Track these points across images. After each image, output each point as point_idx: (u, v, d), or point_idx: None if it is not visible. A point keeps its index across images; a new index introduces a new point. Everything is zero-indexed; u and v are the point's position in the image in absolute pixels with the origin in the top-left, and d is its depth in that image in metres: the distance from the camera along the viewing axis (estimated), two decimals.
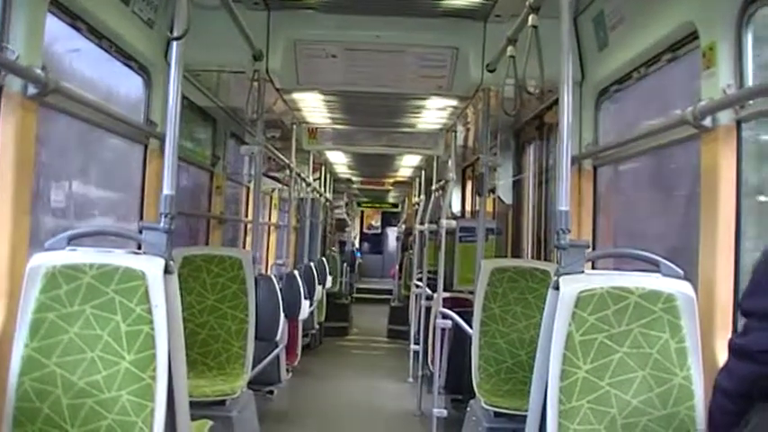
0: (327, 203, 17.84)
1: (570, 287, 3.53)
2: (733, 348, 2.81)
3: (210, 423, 4.64)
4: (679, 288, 3.54)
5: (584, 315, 3.50)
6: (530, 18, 4.80)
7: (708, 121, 4.08)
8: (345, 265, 19.13)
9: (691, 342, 3.49)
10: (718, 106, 4.00)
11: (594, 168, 6.22)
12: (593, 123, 6.19)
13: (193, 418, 4.07)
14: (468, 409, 6.35)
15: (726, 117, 4.03)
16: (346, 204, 24.72)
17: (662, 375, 3.47)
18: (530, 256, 9.02)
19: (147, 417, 3.51)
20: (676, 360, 3.48)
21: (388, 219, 31.64)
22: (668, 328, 3.49)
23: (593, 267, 3.82)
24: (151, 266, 3.62)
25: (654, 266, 3.67)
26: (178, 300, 3.78)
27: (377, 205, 30.57)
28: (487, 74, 6.54)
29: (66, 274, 3.62)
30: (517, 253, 9.58)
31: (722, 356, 3.80)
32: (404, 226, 21.11)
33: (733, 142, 4.03)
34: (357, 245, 29.21)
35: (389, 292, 20.91)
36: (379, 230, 32.50)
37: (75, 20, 4.82)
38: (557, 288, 3.58)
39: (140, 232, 3.97)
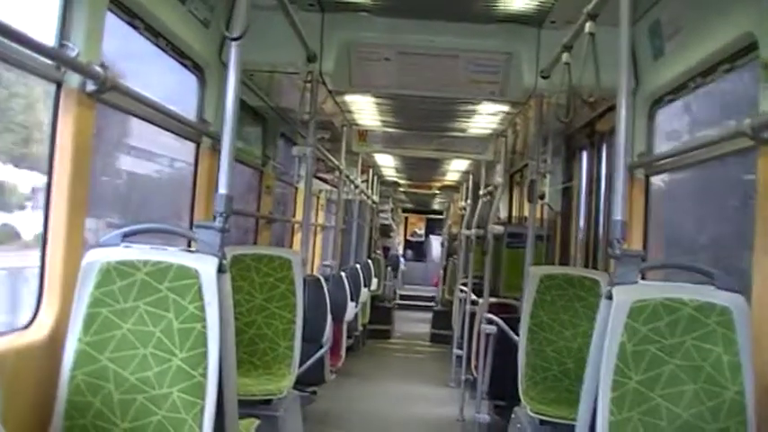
0: (374, 206, 17.86)
1: (624, 297, 3.51)
2: None
3: (258, 422, 4.67)
4: (734, 301, 3.51)
5: (636, 326, 3.47)
6: (587, 25, 4.77)
7: (767, 134, 4.02)
8: (390, 269, 19.15)
9: (744, 356, 3.45)
10: None
11: (646, 178, 6.16)
12: (645, 132, 6.13)
13: (240, 417, 4.10)
14: (513, 415, 6.31)
15: None
16: (391, 210, 24.71)
17: (714, 389, 3.44)
18: (578, 264, 8.97)
19: (196, 414, 3.55)
20: (729, 374, 3.44)
21: (432, 226, 31.52)
22: (722, 342, 3.46)
23: (642, 277, 3.77)
24: (205, 265, 3.66)
25: (707, 278, 3.65)
26: (230, 299, 3.82)
27: (421, 211, 30.55)
28: (541, 80, 6.50)
29: (121, 270, 3.67)
30: (565, 260, 9.51)
31: None
32: (449, 231, 21.11)
33: None
34: (401, 251, 29.15)
35: (432, 299, 20.99)
36: (423, 238, 32.38)
37: (133, 18, 4.86)
38: (610, 297, 3.55)
39: (191, 228, 4.00)
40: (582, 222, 9.07)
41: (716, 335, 3.46)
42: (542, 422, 5.69)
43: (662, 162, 5.85)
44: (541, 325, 6.26)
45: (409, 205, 28.50)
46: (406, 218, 31.76)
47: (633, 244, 5.92)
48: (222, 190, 3.90)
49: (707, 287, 3.58)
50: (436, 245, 28.61)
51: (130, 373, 3.60)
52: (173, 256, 3.71)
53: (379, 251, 19.86)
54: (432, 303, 20.13)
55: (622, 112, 3.87)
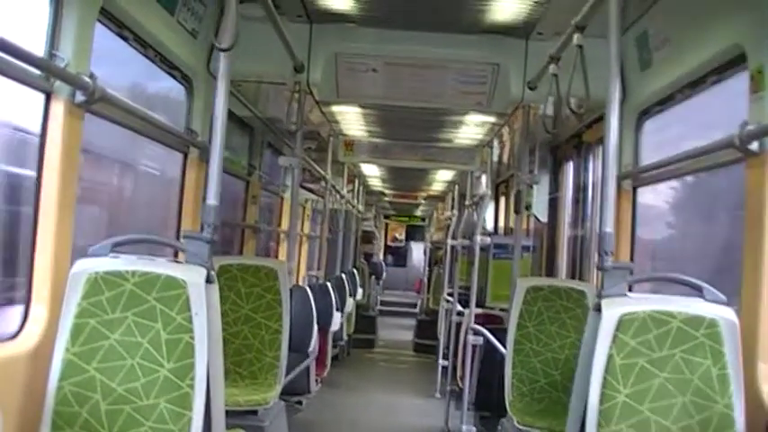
0: (359, 215, 17.85)
1: (612, 310, 3.51)
2: None
3: None
4: (722, 314, 3.51)
5: (625, 338, 3.48)
6: (574, 37, 4.78)
7: (754, 146, 4.02)
8: (373, 277, 19.12)
9: (733, 369, 3.46)
10: (765, 131, 3.95)
11: (634, 189, 6.17)
12: (633, 144, 6.14)
13: (226, 427, 4.08)
14: (500, 427, 6.31)
15: None
16: (374, 217, 24.69)
17: (703, 402, 3.44)
18: (564, 275, 8.97)
19: (184, 425, 3.54)
20: (718, 387, 3.45)
21: (413, 233, 31.52)
22: (710, 355, 3.46)
23: (629, 289, 3.78)
24: (193, 275, 3.65)
25: (695, 291, 3.65)
26: (218, 309, 3.80)
27: (403, 218, 30.53)
28: (528, 91, 6.51)
29: (109, 280, 3.65)
30: (551, 272, 9.51)
31: (764, 384, 3.78)
32: (432, 239, 21.12)
33: None
34: (381, 257, 29.12)
35: (413, 305, 21.07)
36: (403, 244, 32.35)
37: (121, 29, 4.84)
38: (598, 310, 3.55)
39: (177, 238, 3.99)
40: (568, 233, 9.07)
41: (704, 348, 3.47)
42: None
43: (649, 173, 5.86)
44: (528, 336, 6.26)
45: (391, 212, 28.45)
46: (387, 224, 31.68)
47: (620, 256, 5.92)
48: (210, 201, 3.89)
49: (695, 300, 3.59)
50: (417, 251, 28.60)
51: (118, 384, 3.59)
52: (161, 266, 3.70)
53: (362, 260, 19.84)
54: (413, 309, 20.12)
55: (612, 123, 3.88)
